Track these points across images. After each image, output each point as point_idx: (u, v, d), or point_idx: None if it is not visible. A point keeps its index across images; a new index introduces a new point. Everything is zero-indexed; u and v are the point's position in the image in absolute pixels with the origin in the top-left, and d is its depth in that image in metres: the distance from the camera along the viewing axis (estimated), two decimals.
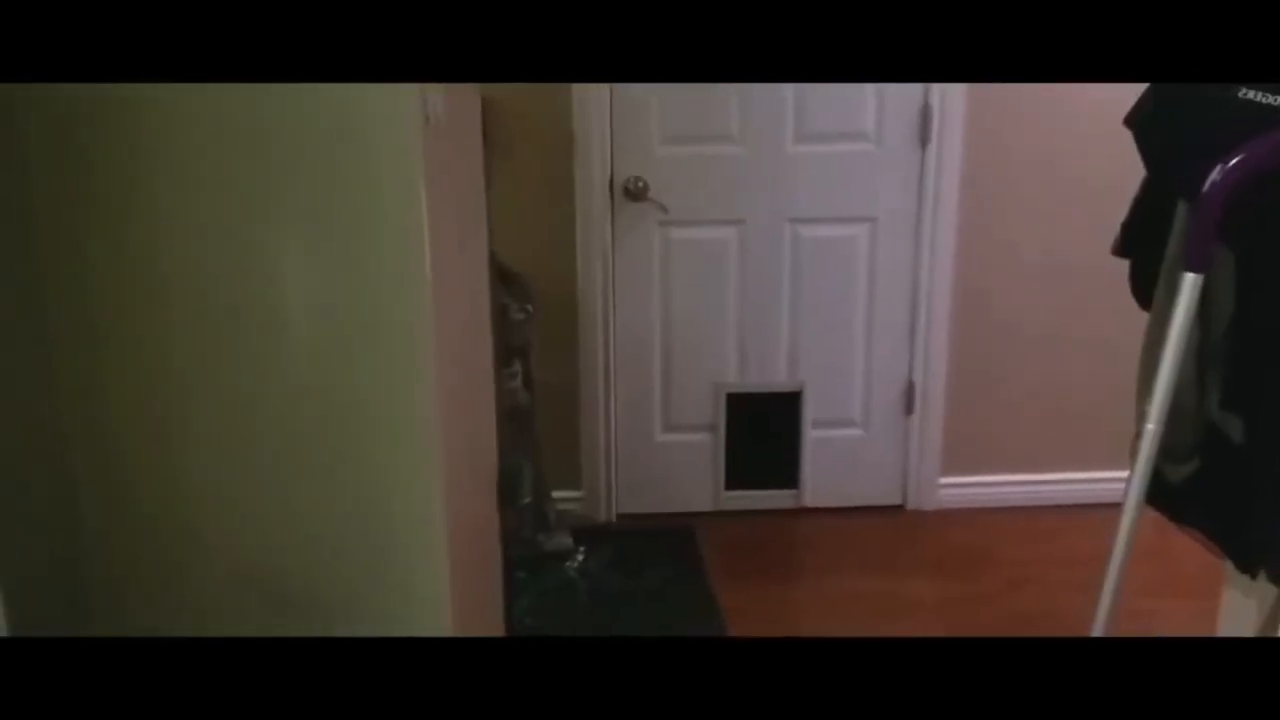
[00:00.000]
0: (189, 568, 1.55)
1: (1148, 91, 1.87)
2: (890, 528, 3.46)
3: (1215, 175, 1.63)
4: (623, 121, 3.18)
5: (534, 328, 3.22)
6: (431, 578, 1.56)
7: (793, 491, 3.52)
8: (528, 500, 3.12)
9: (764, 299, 3.37)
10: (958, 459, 3.52)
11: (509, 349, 3.01)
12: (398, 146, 1.43)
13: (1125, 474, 1.87)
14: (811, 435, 3.48)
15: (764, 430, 3.48)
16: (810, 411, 3.46)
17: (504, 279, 3.00)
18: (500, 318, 2.79)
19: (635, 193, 3.20)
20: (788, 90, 3.17)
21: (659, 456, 3.44)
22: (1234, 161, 1.62)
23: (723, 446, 3.46)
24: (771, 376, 3.44)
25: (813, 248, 3.34)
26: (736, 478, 3.49)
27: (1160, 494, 2.00)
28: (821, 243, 3.34)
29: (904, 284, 3.39)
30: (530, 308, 3.18)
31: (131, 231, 1.45)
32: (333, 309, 1.48)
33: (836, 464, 3.52)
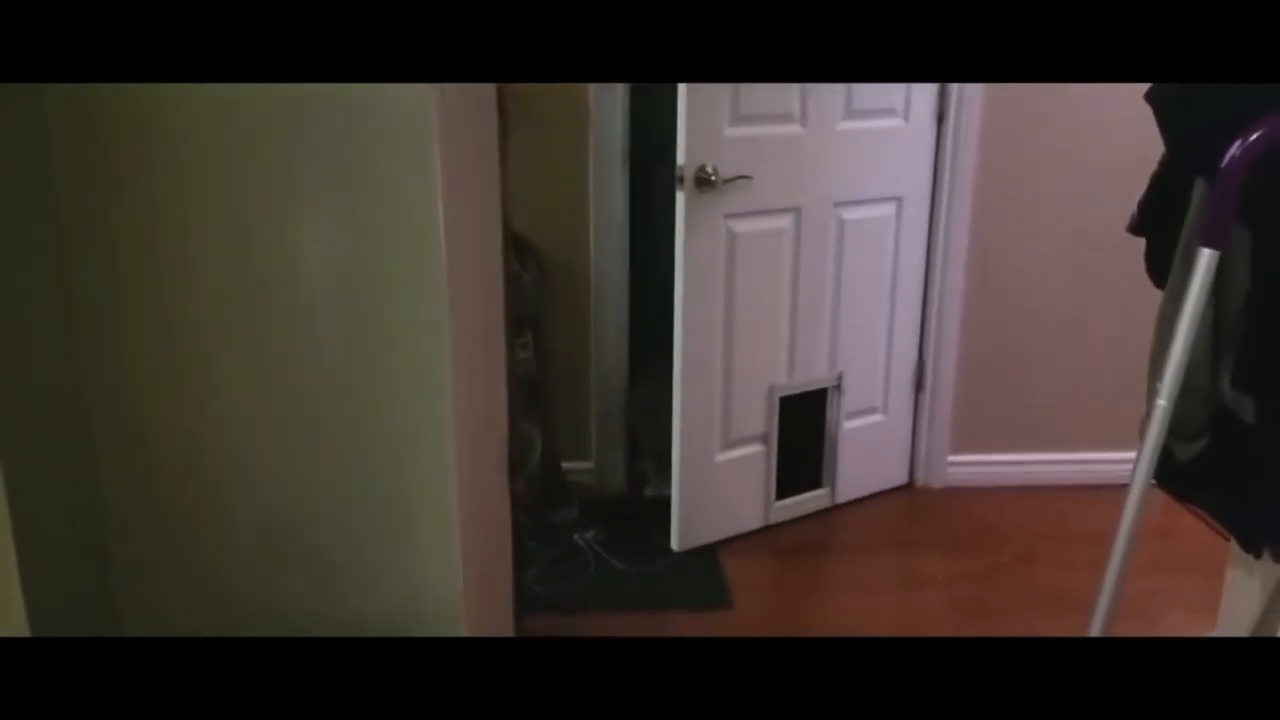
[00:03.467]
0: (208, 531, 1.57)
1: None
2: (899, 505, 3.47)
3: (1235, 150, 1.63)
4: (693, 106, 2.83)
5: (546, 298, 3.23)
6: (443, 542, 1.57)
7: (827, 490, 3.40)
8: (535, 469, 3.14)
9: (813, 290, 3.18)
10: (967, 437, 3.52)
11: (520, 319, 3.02)
12: (413, 114, 1.43)
13: (1135, 454, 1.87)
14: (844, 427, 3.37)
15: (807, 430, 3.31)
16: (846, 404, 3.34)
17: (517, 248, 3.01)
18: (512, 287, 2.79)
19: (706, 180, 2.86)
20: None
21: (717, 477, 3.15)
22: (1254, 137, 1.62)
23: (775, 456, 3.24)
24: (815, 373, 3.27)
25: (851, 231, 3.21)
26: (783, 485, 3.29)
27: (1168, 472, 2.01)
28: (858, 225, 3.22)
29: (919, 260, 3.38)
30: (542, 278, 3.19)
31: (154, 199, 1.46)
32: (348, 280, 1.49)
33: (862, 452, 3.44)
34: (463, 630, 1.62)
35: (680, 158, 2.83)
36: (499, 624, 2.09)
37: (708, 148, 2.85)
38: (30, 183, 1.42)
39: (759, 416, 3.19)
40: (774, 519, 3.28)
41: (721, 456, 3.14)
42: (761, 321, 3.11)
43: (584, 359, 3.37)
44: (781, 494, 3.29)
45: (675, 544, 3.12)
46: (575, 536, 3.15)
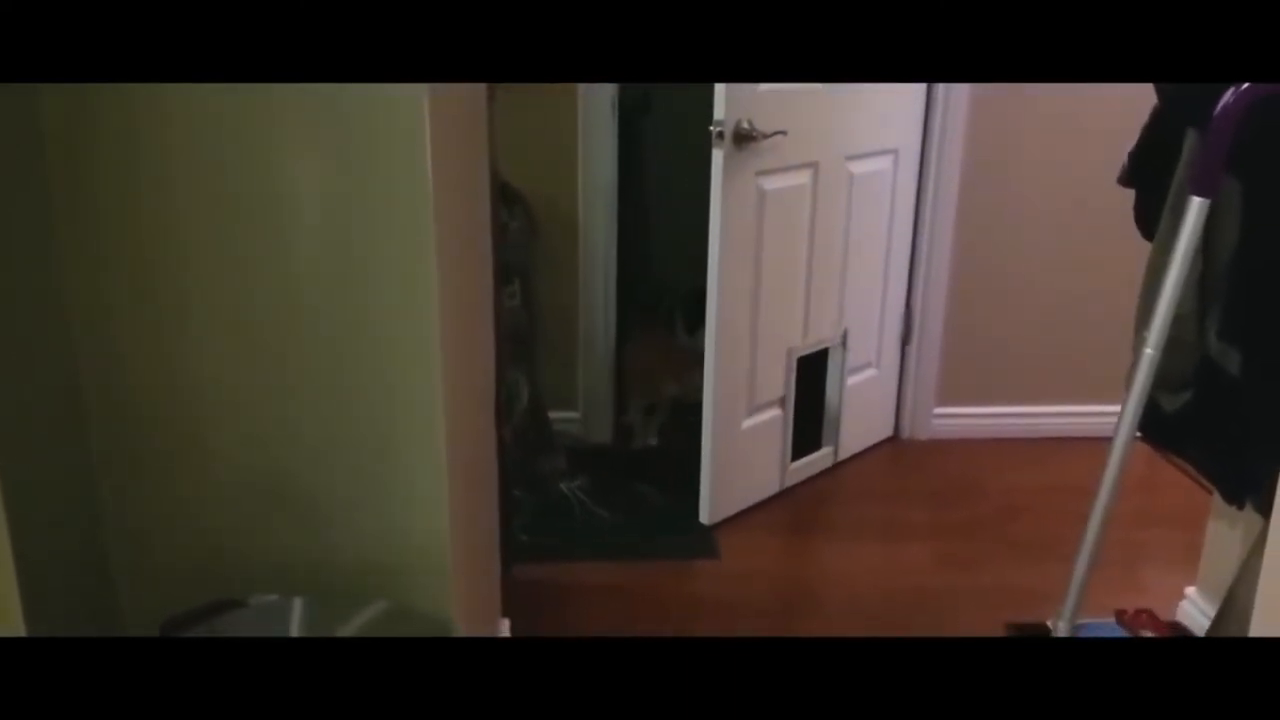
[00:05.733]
0: (191, 469, 1.57)
1: None
2: (886, 458, 3.49)
3: (1227, 98, 1.62)
4: None
5: (534, 248, 3.22)
6: (431, 488, 1.58)
7: (830, 449, 3.36)
8: (522, 418, 3.14)
9: (826, 247, 3.10)
10: (952, 390, 3.53)
11: (509, 268, 3.01)
12: None
13: (1118, 408, 1.88)
14: (847, 384, 3.33)
15: (809, 389, 3.25)
16: (849, 361, 3.31)
17: (506, 198, 2.98)
18: (500, 236, 2.78)
19: (745, 135, 2.71)
20: None
21: (742, 444, 3.06)
22: (1246, 85, 1.61)
23: (791, 419, 3.18)
24: (824, 332, 3.21)
25: (858, 185, 3.14)
26: (796, 447, 3.23)
27: (1153, 424, 2.02)
28: (864, 179, 3.16)
29: (910, 214, 3.37)
30: (531, 227, 3.17)
31: (141, 135, 1.44)
32: (336, 227, 1.48)
33: (860, 408, 3.42)
34: (449, 575, 1.62)
35: (719, 113, 2.66)
36: (486, 571, 2.10)
37: (744, 102, 2.70)
38: (21, 148, 1.40)
39: (778, 379, 3.11)
40: (788, 483, 3.23)
41: (747, 423, 3.06)
42: (783, 281, 3.02)
43: (572, 309, 3.36)
44: (796, 454, 3.24)
45: (705, 518, 3.01)
46: (561, 486, 3.15)
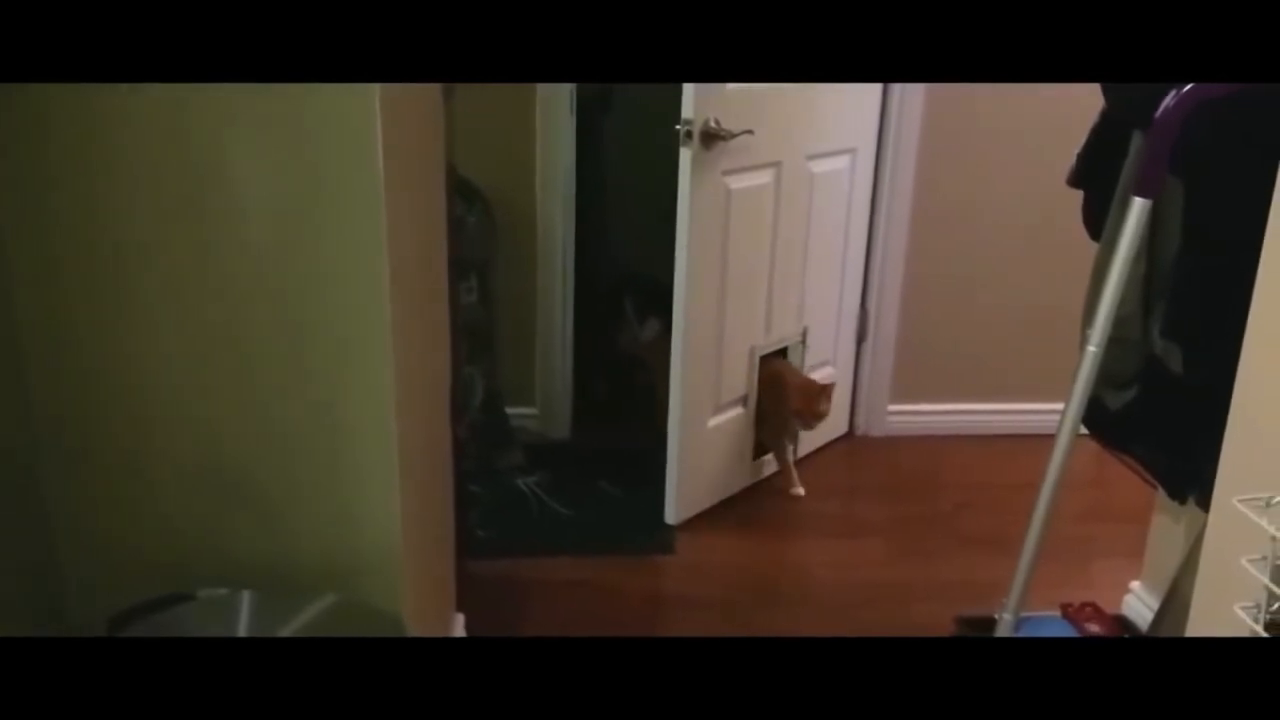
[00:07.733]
0: (142, 462, 1.55)
1: None
2: (842, 455, 3.52)
3: (1169, 101, 1.65)
4: None
5: (492, 243, 3.21)
6: (383, 483, 1.58)
7: (790, 446, 3.31)
8: (478, 413, 3.14)
9: (788, 245, 3.11)
10: (906, 387, 3.57)
11: (466, 263, 3.00)
12: None
13: None
14: None
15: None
16: (807, 359, 3.33)
17: (464, 193, 2.97)
18: (456, 230, 2.77)
19: (713, 134, 2.71)
20: None
21: (709, 443, 3.07)
22: (1187, 89, 1.64)
23: (754, 416, 3.20)
24: (786, 330, 3.23)
25: (819, 184, 3.15)
26: (757, 444, 3.24)
27: (1099, 421, 2.06)
28: (824, 178, 3.17)
29: (866, 213, 3.39)
30: (489, 222, 3.17)
31: (91, 134, 1.43)
32: (286, 221, 1.48)
33: None
34: (401, 569, 1.62)
35: (686, 112, 2.66)
36: (439, 565, 2.10)
37: (712, 101, 2.70)
38: None
39: (741, 378, 3.13)
40: (751, 480, 3.24)
41: (713, 421, 3.07)
42: (747, 279, 3.02)
43: (530, 304, 3.36)
44: (757, 453, 3.25)
45: (671, 518, 3.00)
46: (519, 481, 3.15)
